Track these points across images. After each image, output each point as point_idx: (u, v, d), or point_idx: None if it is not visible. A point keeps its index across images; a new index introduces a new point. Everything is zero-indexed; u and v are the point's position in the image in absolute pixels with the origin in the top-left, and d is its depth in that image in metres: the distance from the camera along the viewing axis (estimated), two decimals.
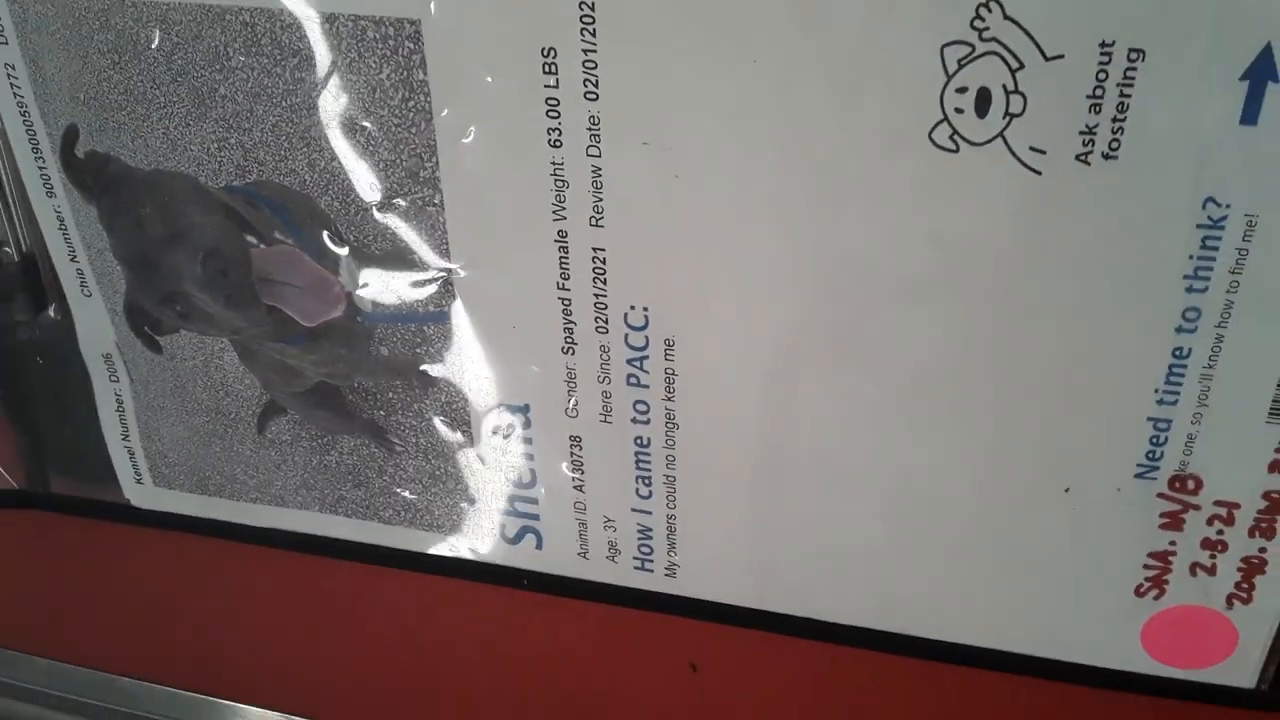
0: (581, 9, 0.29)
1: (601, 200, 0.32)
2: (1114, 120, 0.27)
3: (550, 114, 0.31)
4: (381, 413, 0.39)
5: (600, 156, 0.31)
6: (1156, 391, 0.30)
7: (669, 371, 0.34)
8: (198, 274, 0.36)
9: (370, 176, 0.34)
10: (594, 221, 0.32)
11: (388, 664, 0.47)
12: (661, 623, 0.40)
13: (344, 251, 0.36)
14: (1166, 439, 0.31)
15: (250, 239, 0.36)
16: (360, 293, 0.36)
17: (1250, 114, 0.26)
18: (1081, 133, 0.27)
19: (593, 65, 0.30)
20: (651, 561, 0.39)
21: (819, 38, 0.28)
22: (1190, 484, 0.31)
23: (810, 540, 0.36)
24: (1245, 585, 0.32)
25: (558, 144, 0.31)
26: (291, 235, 0.36)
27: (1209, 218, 0.28)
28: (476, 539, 0.40)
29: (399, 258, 0.35)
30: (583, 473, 0.37)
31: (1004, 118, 0.28)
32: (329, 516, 0.42)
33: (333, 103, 0.33)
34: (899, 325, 0.31)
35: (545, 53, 0.30)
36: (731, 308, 0.33)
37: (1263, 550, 0.32)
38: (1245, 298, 0.28)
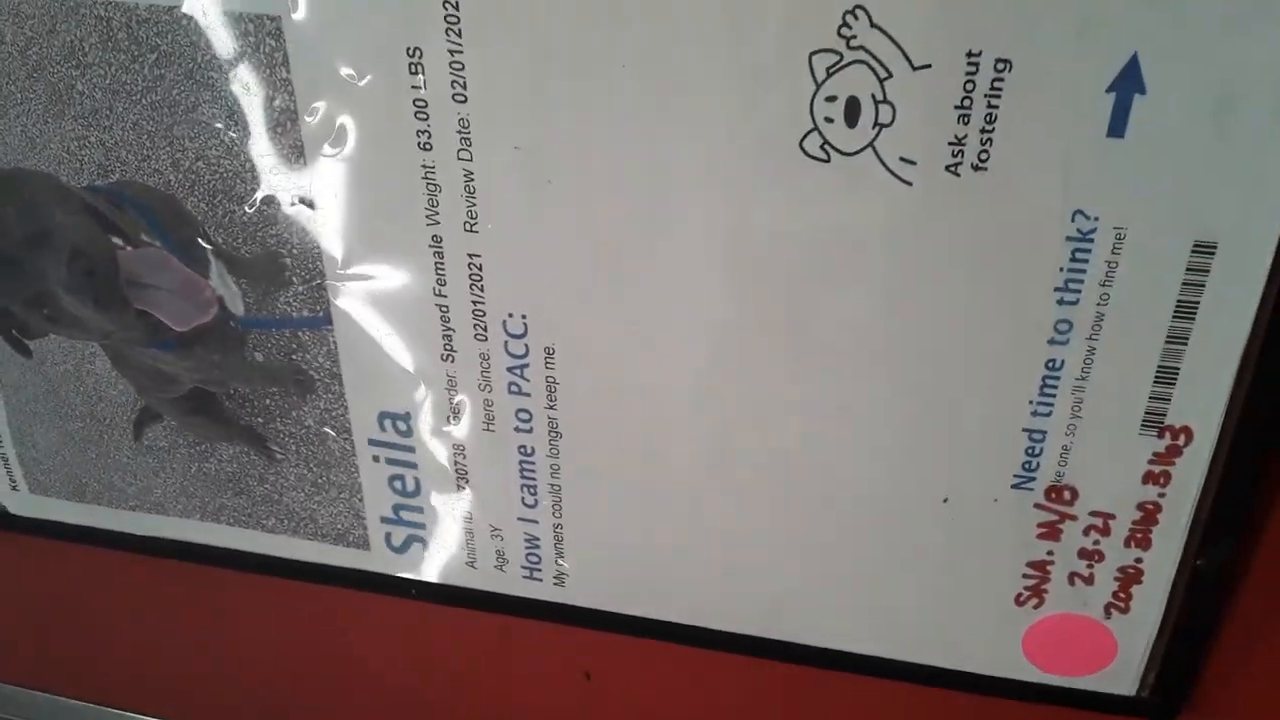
0: (446, 8, 0.28)
1: (475, 205, 0.31)
2: (982, 131, 0.27)
3: (419, 115, 0.30)
4: (260, 420, 0.38)
5: (472, 160, 0.30)
6: (1031, 403, 0.30)
7: (550, 380, 0.34)
8: (63, 276, 0.35)
9: (237, 177, 0.33)
10: (468, 227, 0.32)
11: (273, 673, 0.45)
12: (553, 632, 0.40)
13: (213, 254, 0.34)
14: (1042, 450, 0.31)
15: (116, 240, 0.35)
16: (231, 297, 0.35)
17: (1117, 126, 0.26)
18: (950, 143, 0.27)
19: (460, 66, 0.29)
20: (540, 570, 0.38)
21: (687, 43, 0.27)
22: (1066, 495, 0.31)
23: (697, 547, 0.36)
24: (1122, 595, 0.32)
25: (428, 147, 0.31)
26: (158, 237, 0.34)
27: (1078, 230, 0.27)
28: (362, 548, 0.39)
29: (270, 261, 0.34)
30: (467, 481, 0.37)
31: (874, 127, 0.27)
32: (210, 525, 0.41)
33: (194, 101, 0.32)
34: (777, 334, 0.31)
35: (411, 52, 0.29)
36: (609, 315, 0.32)
37: (1138, 561, 0.32)
38: (1115, 310, 0.28)
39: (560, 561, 0.37)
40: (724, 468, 0.34)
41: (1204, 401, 0.29)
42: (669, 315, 0.31)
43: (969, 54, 0.26)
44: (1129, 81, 0.25)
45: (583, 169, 0.30)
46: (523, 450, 0.35)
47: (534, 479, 0.36)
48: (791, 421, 0.32)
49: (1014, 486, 0.31)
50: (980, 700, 0.35)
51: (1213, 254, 0.27)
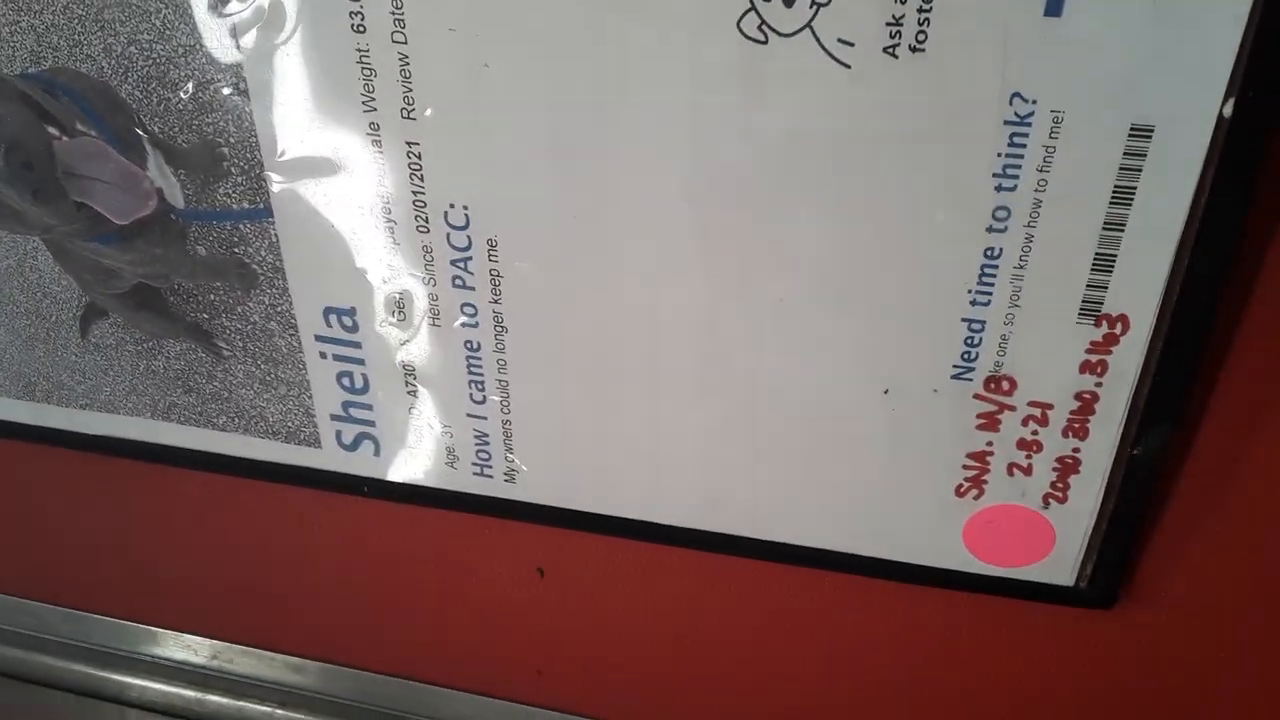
0: None
1: (411, 91, 0.31)
2: (919, 11, 0.26)
3: None
4: (205, 315, 0.37)
5: (406, 43, 0.30)
6: (970, 292, 0.30)
7: (494, 273, 0.33)
8: (1, 168, 0.34)
9: (170, 63, 0.32)
10: (405, 114, 0.31)
11: (227, 571, 0.46)
12: (505, 528, 0.40)
13: (150, 144, 0.34)
14: (981, 340, 0.31)
15: (52, 130, 0.34)
16: (170, 188, 0.34)
17: (1054, 5, 0.26)
18: (888, 24, 0.27)
19: None
20: (490, 467, 0.38)
21: None
22: (1005, 385, 0.31)
23: (643, 443, 0.36)
24: (1060, 485, 0.33)
25: (361, 29, 0.30)
26: (95, 126, 0.34)
27: (1016, 114, 0.27)
28: (313, 446, 0.39)
29: (207, 150, 0.33)
30: (415, 378, 0.37)
31: (811, 7, 0.27)
32: (161, 423, 0.41)
33: None
34: (716, 223, 0.31)
35: None
36: (552, 206, 0.32)
37: (1076, 450, 0.32)
38: (1053, 196, 0.28)
39: (510, 458, 0.38)
40: (668, 363, 0.34)
41: (1141, 289, 0.29)
42: (614, 206, 0.31)
43: None
44: None
45: (520, 52, 0.29)
46: (469, 345, 0.35)
47: (481, 375, 0.36)
48: (733, 315, 0.32)
49: (953, 377, 0.31)
50: (922, 590, 0.36)
51: (1150, 137, 0.27)
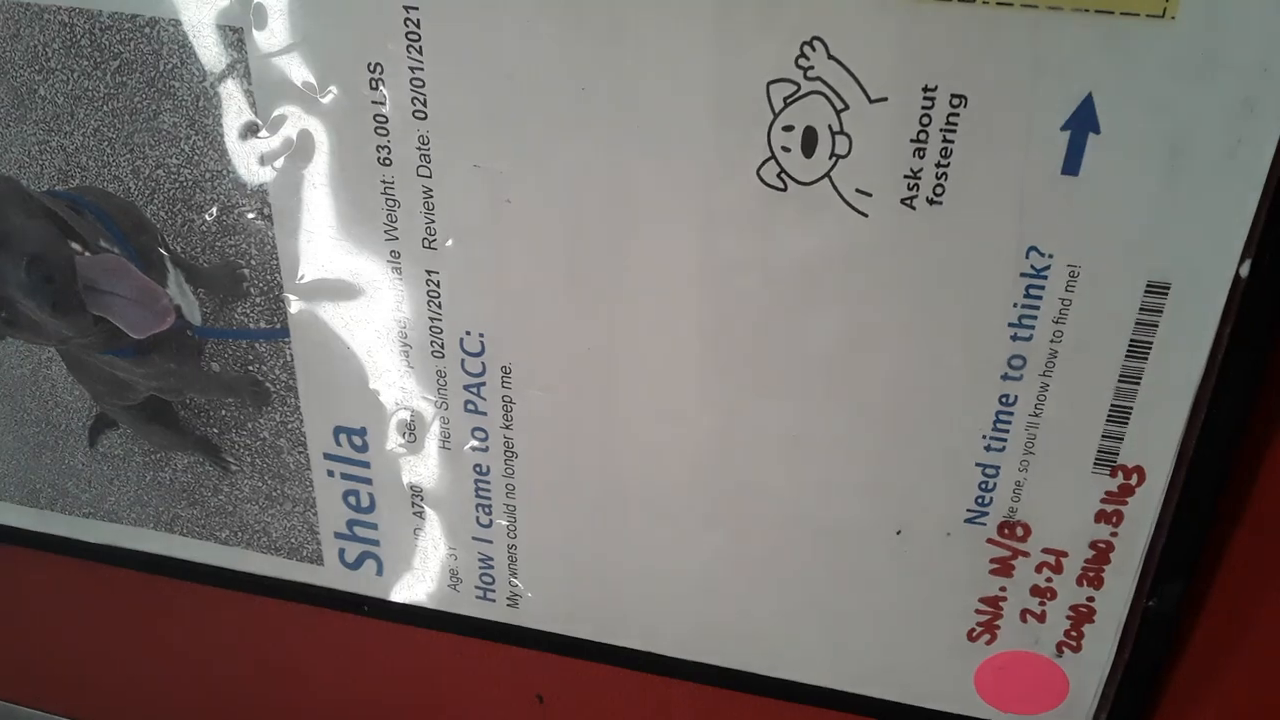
0: (408, 25, 0.28)
1: (434, 222, 0.31)
2: (938, 165, 0.27)
3: (379, 131, 0.30)
4: (215, 430, 0.37)
5: (431, 177, 0.30)
6: (985, 437, 0.30)
7: (506, 399, 0.33)
8: (22, 279, 0.35)
9: (196, 186, 0.33)
10: (427, 244, 0.31)
11: (224, 686, 0.45)
12: (506, 653, 0.39)
13: (171, 263, 0.34)
14: (995, 485, 0.30)
15: (75, 246, 0.34)
16: (189, 306, 0.35)
17: (1072, 164, 0.26)
18: (906, 176, 0.27)
19: (420, 83, 0.29)
20: (494, 591, 0.38)
21: (648, 68, 0.27)
22: (1019, 531, 0.31)
23: (651, 573, 0.35)
24: (1074, 633, 0.32)
25: (387, 162, 0.30)
26: (117, 244, 0.34)
27: (1032, 267, 0.27)
28: (315, 563, 0.39)
29: (228, 271, 0.34)
30: (422, 499, 0.36)
31: (830, 158, 0.27)
32: (164, 535, 0.41)
33: (155, 109, 0.32)
34: (734, 359, 0.31)
35: (372, 68, 0.29)
36: (567, 337, 0.32)
37: (1090, 599, 0.32)
38: (1069, 347, 0.28)
39: (514, 582, 0.37)
40: (680, 495, 0.33)
41: (1156, 442, 0.29)
42: (628, 340, 0.31)
43: (925, 88, 0.26)
44: (1083, 121, 0.25)
45: (542, 189, 0.30)
46: (478, 469, 0.35)
47: (489, 499, 0.36)
48: (748, 450, 0.32)
49: (967, 521, 0.31)
50: None
51: (1166, 294, 0.27)
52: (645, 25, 0.27)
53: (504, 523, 0.36)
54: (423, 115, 0.29)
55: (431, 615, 0.39)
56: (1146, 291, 0.27)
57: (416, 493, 0.36)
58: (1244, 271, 0.26)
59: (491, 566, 0.37)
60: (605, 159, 0.29)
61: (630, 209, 0.29)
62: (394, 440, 0.35)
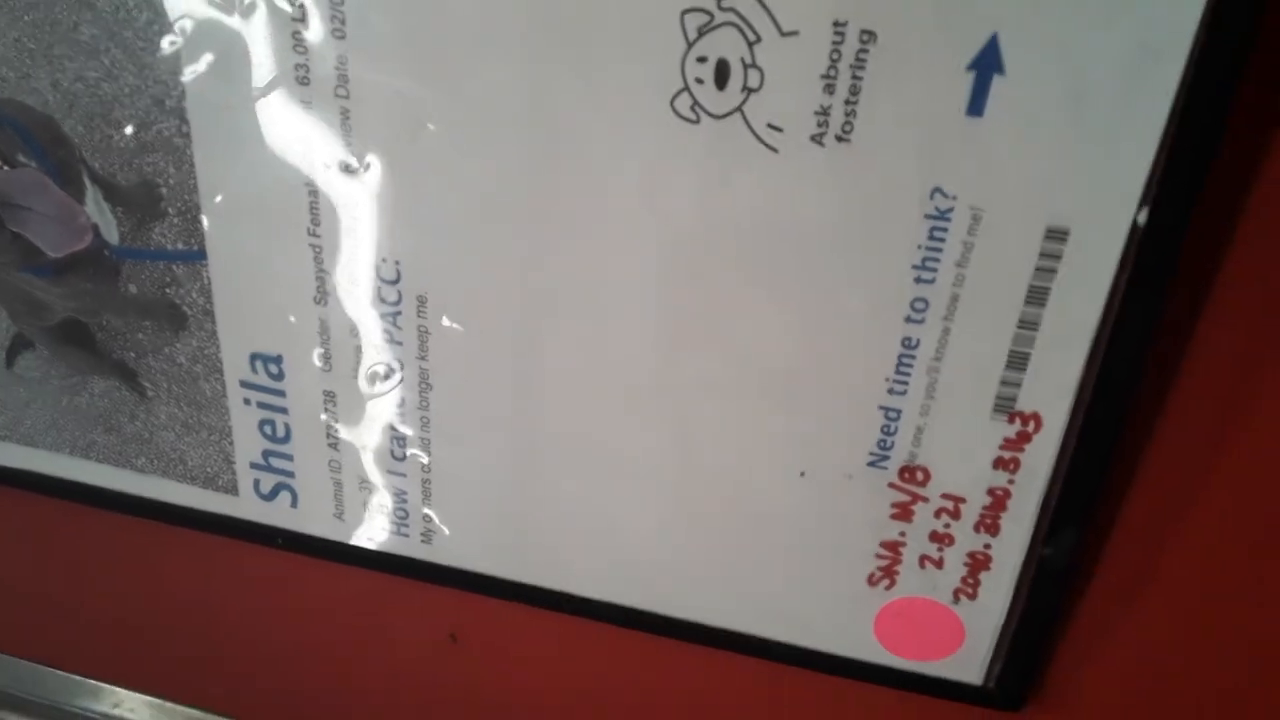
0: None
1: (352, 144, 0.31)
2: (847, 103, 0.27)
3: (298, 49, 0.30)
4: (132, 354, 0.37)
5: (349, 99, 0.30)
6: (887, 380, 0.30)
7: (422, 329, 0.33)
8: None
9: (115, 102, 0.32)
10: (344, 167, 0.31)
11: (135, 617, 0.45)
12: (420, 590, 0.39)
13: (90, 179, 0.34)
14: (897, 429, 0.31)
15: None
16: (106, 225, 0.34)
17: (976, 105, 0.26)
18: (816, 113, 0.27)
19: (340, 1, 0.29)
20: (407, 526, 0.38)
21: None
22: (919, 475, 0.31)
23: (564, 513, 0.36)
24: (971, 581, 0.33)
25: (305, 82, 0.30)
26: (35, 158, 0.34)
27: (936, 209, 0.28)
28: (230, 494, 0.39)
29: (146, 191, 0.33)
30: (337, 431, 0.36)
31: (742, 91, 0.27)
32: (80, 460, 0.40)
33: (75, 20, 0.31)
34: (643, 297, 0.31)
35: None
36: (483, 267, 0.32)
37: (987, 546, 0.32)
38: (970, 292, 0.28)
39: (428, 517, 0.37)
40: (591, 435, 0.34)
41: (1054, 389, 0.29)
42: (541, 274, 0.31)
43: (835, 23, 0.26)
44: (988, 61, 0.26)
45: (461, 116, 0.30)
46: (393, 401, 0.35)
47: (404, 432, 0.36)
48: (656, 390, 0.32)
49: (869, 464, 0.32)
50: (829, 680, 0.36)
51: (1065, 240, 0.27)
52: None
53: (419, 456, 0.36)
54: (341, 35, 0.29)
55: (345, 550, 0.39)
56: (1046, 237, 0.27)
57: (332, 423, 0.36)
58: (1141, 219, 0.27)
59: (406, 501, 0.37)
60: (525, 87, 0.29)
61: (548, 141, 0.29)
62: (310, 369, 0.35)
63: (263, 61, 0.30)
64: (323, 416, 0.36)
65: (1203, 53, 0.24)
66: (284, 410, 0.36)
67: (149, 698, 0.47)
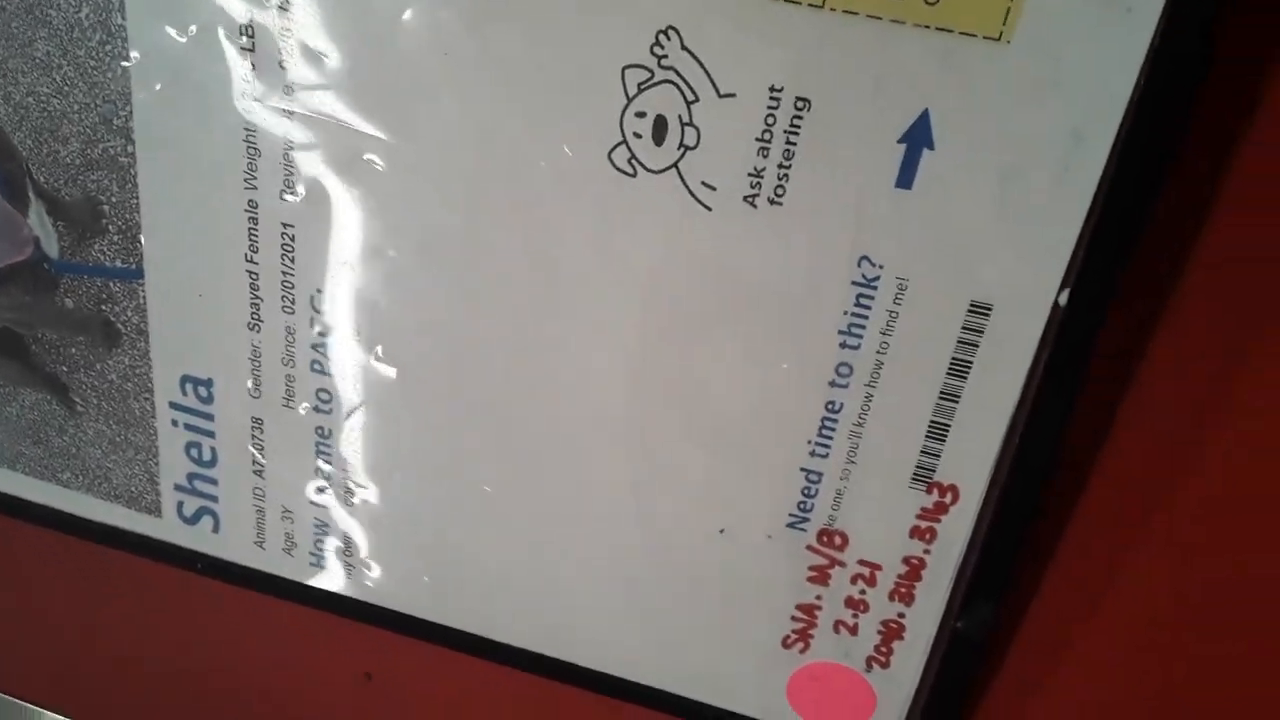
0: None
1: (293, 174, 0.31)
2: (780, 166, 0.27)
3: (244, 79, 0.30)
4: (64, 369, 0.37)
5: (293, 129, 0.30)
6: (810, 443, 0.30)
7: (354, 364, 0.33)
8: None
9: (64, 118, 0.32)
10: (284, 196, 0.31)
11: (52, 635, 0.44)
12: (338, 625, 0.39)
13: (34, 193, 0.34)
14: (817, 491, 0.31)
15: None
16: (47, 238, 0.34)
17: (906, 178, 0.27)
18: (750, 174, 0.27)
19: (288, 33, 0.29)
20: (327, 560, 0.37)
21: (512, 39, 0.27)
22: (837, 539, 0.31)
23: (486, 557, 0.35)
24: (884, 649, 0.33)
25: (250, 110, 0.30)
26: None
27: (863, 276, 0.28)
28: (154, 515, 0.38)
29: (89, 207, 0.33)
30: (263, 457, 0.36)
31: (679, 148, 0.28)
32: (6, 472, 0.40)
33: (31, 36, 0.31)
34: (576, 345, 0.31)
35: (244, 22, 0.29)
36: (418, 307, 0.32)
37: (901, 616, 0.32)
38: (894, 360, 0.29)
39: (349, 554, 0.37)
40: (517, 479, 0.33)
41: (972, 462, 0.29)
42: (476, 312, 0.31)
43: (772, 88, 0.26)
44: (919, 136, 0.26)
45: (401, 152, 0.30)
46: (320, 432, 0.35)
47: (329, 464, 0.35)
48: (579, 439, 0.32)
49: (789, 525, 0.32)
50: None
51: (988, 316, 0.28)
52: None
53: (343, 491, 0.36)
54: (288, 67, 0.29)
55: (264, 578, 0.38)
56: (969, 311, 0.28)
57: (259, 450, 0.36)
58: (1063, 300, 0.27)
59: (327, 535, 0.37)
60: (469, 127, 0.29)
61: (489, 183, 0.30)
62: (241, 395, 0.35)
63: (210, 87, 0.30)
64: (250, 443, 0.36)
65: (1129, 139, 0.25)
66: (211, 434, 0.36)
67: (58, 716, 0.46)
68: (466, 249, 0.31)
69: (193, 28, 0.30)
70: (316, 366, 0.34)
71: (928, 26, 0.25)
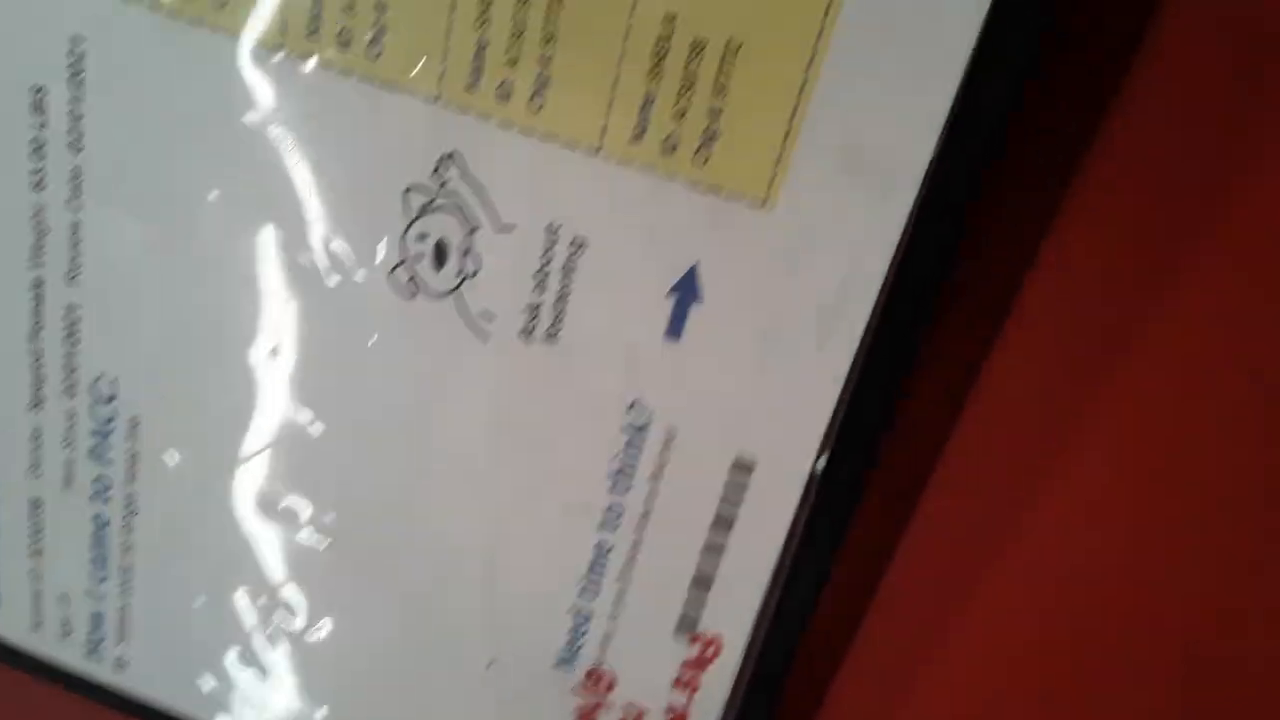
0: (70, 57, 0.28)
1: (80, 257, 0.30)
2: (556, 304, 0.27)
3: (35, 154, 0.29)
4: None
5: (82, 210, 0.30)
6: (579, 583, 0.30)
7: (131, 453, 0.32)
8: None
9: None
10: (70, 278, 0.30)
11: None
12: (108, 717, 0.37)
13: None
14: (586, 632, 0.30)
15: None
16: None
17: (675, 328, 0.26)
18: (526, 309, 0.27)
19: (79, 116, 0.28)
20: (102, 650, 0.36)
21: (302, 144, 0.27)
22: (604, 682, 0.31)
23: (255, 659, 0.34)
24: None
25: (40, 187, 0.30)
26: None
27: (634, 422, 0.28)
28: None
29: None
30: (42, 539, 0.35)
31: (458, 275, 0.27)
32: None
33: None
34: (346, 458, 0.30)
35: (35, 90, 0.29)
36: (198, 399, 0.31)
37: None
38: (662, 508, 0.28)
39: (123, 645, 0.35)
40: (287, 590, 0.32)
41: (735, 615, 0.29)
42: (251, 417, 0.31)
43: (549, 226, 0.26)
44: (688, 288, 0.26)
45: (189, 243, 0.29)
46: (98, 520, 0.34)
47: (106, 553, 0.34)
48: (352, 555, 0.31)
49: (556, 665, 0.31)
50: None
51: (750, 473, 0.27)
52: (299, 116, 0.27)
53: (118, 581, 0.34)
54: (80, 148, 0.29)
55: (38, 663, 0.37)
56: (733, 467, 0.27)
57: (37, 532, 0.35)
58: (820, 465, 0.27)
59: (102, 624, 0.35)
60: (252, 226, 0.28)
61: (273, 282, 0.29)
62: (20, 475, 0.34)
63: (1, 163, 0.30)
64: (27, 523, 0.35)
65: (885, 313, 0.25)
66: None
67: None
68: (248, 351, 0.30)
69: None
70: (96, 454, 0.33)
71: (698, 184, 0.25)
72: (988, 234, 0.25)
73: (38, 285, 0.31)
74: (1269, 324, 0.25)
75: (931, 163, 0.23)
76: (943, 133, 0.23)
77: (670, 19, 0.24)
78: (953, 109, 0.23)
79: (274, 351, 0.30)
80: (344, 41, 0.26)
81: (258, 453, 0.31)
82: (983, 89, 0.22)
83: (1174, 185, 0.24)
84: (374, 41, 0.26)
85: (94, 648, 0.36)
